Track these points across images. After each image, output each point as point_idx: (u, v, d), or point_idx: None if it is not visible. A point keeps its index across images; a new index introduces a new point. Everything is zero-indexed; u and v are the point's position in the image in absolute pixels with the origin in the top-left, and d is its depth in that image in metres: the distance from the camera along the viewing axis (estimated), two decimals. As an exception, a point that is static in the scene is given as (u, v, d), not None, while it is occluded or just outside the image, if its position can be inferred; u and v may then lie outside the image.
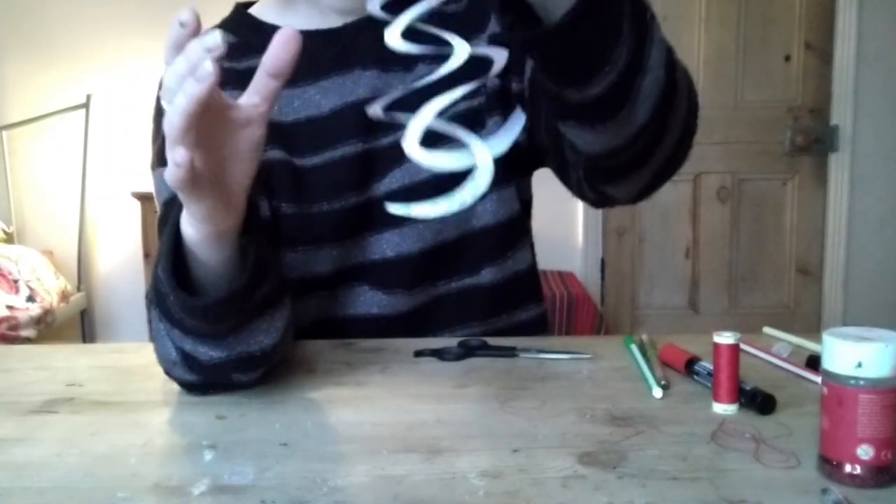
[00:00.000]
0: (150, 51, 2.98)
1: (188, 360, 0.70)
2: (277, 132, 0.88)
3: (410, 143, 0.52)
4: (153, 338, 0.73)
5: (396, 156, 0.88)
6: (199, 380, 0.72)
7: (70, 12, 3.19)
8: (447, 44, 0.55)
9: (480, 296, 0.92)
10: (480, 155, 0.53)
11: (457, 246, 0.90)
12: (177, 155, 0.55)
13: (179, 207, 0.64)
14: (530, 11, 0.61)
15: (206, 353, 0.69)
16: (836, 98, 3.02)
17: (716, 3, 3.04)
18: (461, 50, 0.54)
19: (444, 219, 0.87)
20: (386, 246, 0.90)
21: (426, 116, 0.52)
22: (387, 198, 0.88)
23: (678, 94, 0.70)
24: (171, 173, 0.56)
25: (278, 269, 0.73)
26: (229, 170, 0.62)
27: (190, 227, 0.64)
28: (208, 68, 0.54)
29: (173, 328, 0.69)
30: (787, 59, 3.06)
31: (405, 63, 0.89)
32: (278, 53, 0.59)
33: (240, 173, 0.63)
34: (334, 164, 0.88)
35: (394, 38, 0.54)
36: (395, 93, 0.60)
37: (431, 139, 0.53)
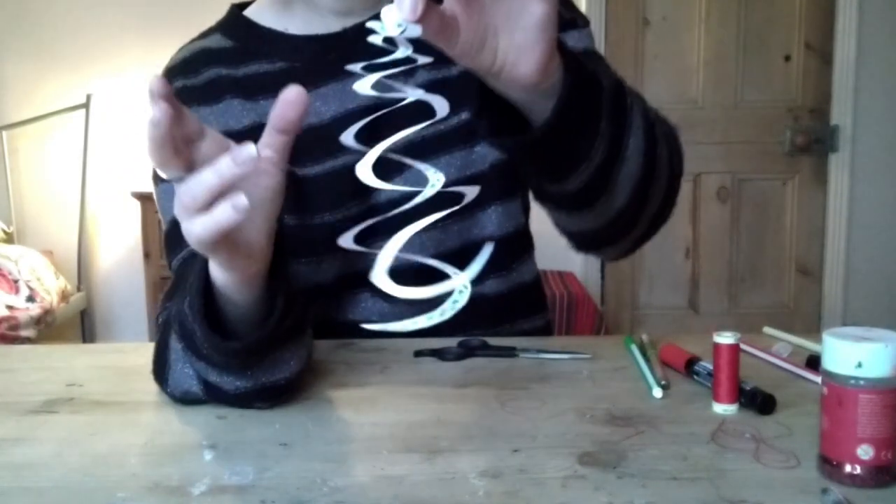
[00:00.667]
0: (150, 51, 2.97)
1: (211, 390, 0.69)
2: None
3: (379, 275, 0.53)
4: (165, 364, 0.72)
5: (397, 165, 0.87)
6: (217, 404, 0.71)
7: (70, 12, 3.19)
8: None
9: (484, 306, 0.91)
10: (458, 280, 0.55)
11: (462, 258, 0.89)
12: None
13: None
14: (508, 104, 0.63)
15: (232, 382, 0.68)
16: (836, 98, 3.02)
17: (716, 3, 3.04)
18: (436, 181, 0.58)
19: (447, 230, 0.87)
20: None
21: (394, 247, 0.54)
22: (389, 206, 0.87)
23: (658, 169, 0.72)
24: (194, 242, 0.57)
25: (303, 299, 0.72)
26: (248, 222, 0.60)
27: (215, 271, 0.64)
28: (244, 203, 0.54)
29: (199, 361, 0.68)
30: (787, 59, 3.06)
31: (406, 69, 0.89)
32: (285, 114, 0.59)
33: (260, 221, 0.62)
34: (335, 173, 0.86)
35: (364, 174, 0.57)
36: (363, 121, 0.61)
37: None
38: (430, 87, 0.86)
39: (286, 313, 0.66)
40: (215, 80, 0.88)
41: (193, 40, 0.94)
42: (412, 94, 0.57)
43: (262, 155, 0.60)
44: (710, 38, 3.06)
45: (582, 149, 0.65)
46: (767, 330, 0.89)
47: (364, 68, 0.55)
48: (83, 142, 3.17)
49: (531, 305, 0.97)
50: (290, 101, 0.59)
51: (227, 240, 0.58)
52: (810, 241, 3.14)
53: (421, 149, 0.84)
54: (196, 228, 0.56)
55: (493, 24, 0.56)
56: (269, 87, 0.87)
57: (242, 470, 0.57)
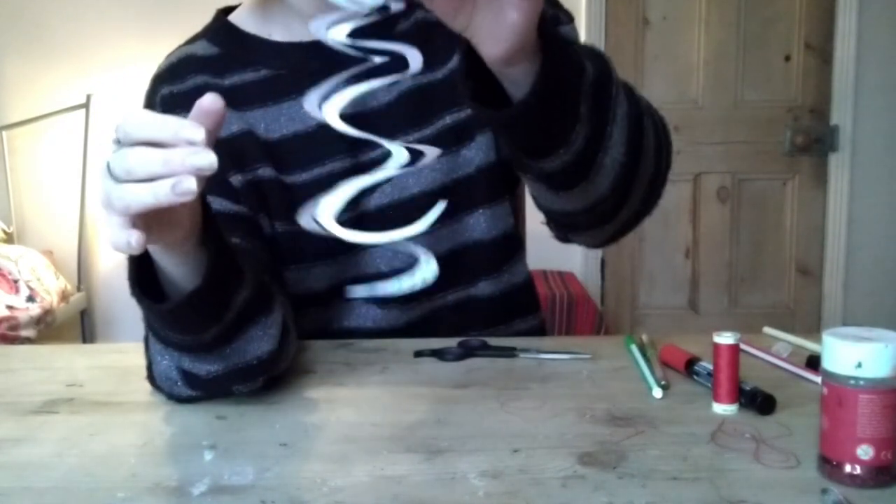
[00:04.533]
0: (150, 51, 2.96)
1: (188, 377, 0.70)
2: (266, 150, 0.86)
3: (324, 216, 0.53)
4: (150, 361, 0.72)
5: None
6: (201, 394, 0.71)
7: (70, 12, 3.19)
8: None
9: (478, 308, 0.92)
10: (410, 230, 0.56)
11: (451, 262, 0.88)
12: (132, 238, 0.53)
13: None
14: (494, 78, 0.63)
15: (203, 367, 0.68)
16: (836, 98, 3.02)
17: (716, 3, 3.04)
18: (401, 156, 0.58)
19: (438, 236, 0.87)
20: (379, 261, 0.88)
21: (341, 196, 0.54)
22: (378, 213, 0.87)
23: (643, 160, 0.71)
24: (118, 246, 0.54)
25: (264, 275, 0.71)
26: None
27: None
28: (192, 187, 0.51)
29: (167, 347, 0.69)
30: (787, 59, 3.05)
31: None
32: (203, 123, 0.55)
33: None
34: (323, 179, 0.86)
35: (331, 117, 0.56)
36: (327, 86, 0.61)
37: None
38: (349, 167, 0.86)
39: (228, 283, 0.65)
40: (202, 86, 0.87)
41: (181, 46, 0.94)
42: (385, 45, 0.57)
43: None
44: (710, 38, 3.06)
45: (560, 132, 0.65)
46: (767, 330, 0.89)
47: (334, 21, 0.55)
48: (83, 142, 3.16)
49: (524, 306, 0.97)
50: (205, 111, 0.55)
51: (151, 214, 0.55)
52: (810, 241, 3.14)
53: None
54: (127, 196, 0.52)
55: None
56: (254, 97, 0.87)
57: (242, 470, 0.57)
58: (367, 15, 0.53)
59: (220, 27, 0.93)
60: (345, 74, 0.61)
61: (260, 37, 0.89)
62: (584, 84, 0.64)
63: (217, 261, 0.63)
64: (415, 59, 0.58)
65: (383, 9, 0.54)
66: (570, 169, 0.67)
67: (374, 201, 0.87)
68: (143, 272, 0.64)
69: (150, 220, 0.55)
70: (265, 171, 0.86)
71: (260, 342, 0.69)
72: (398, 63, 0.62)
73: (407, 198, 0.87)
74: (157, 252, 0.62)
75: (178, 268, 0.63)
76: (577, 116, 0.64)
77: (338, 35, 0.55)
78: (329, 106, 0.56)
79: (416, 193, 0.87)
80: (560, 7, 0.90)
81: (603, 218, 0.76)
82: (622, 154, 0.69)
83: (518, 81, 0.62)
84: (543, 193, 0.74)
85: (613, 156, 0.68)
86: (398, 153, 0.59)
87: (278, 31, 0.89)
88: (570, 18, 0.89)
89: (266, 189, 0.86)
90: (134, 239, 0.53)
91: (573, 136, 0.65)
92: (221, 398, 0.71)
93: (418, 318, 0.90)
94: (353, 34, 0.55)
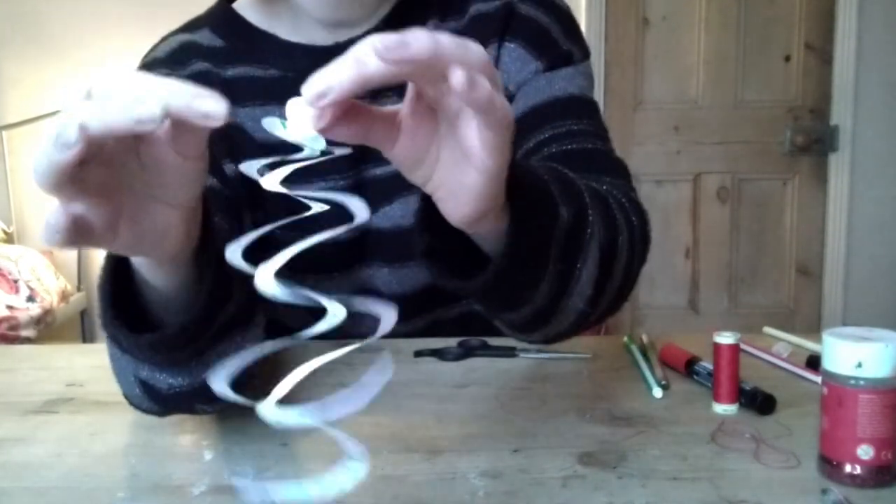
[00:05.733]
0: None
1: (146, 388, 0.61)
2: (260, 150, 0.74)
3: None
4: (112, 363, 0.64)
5: (387, 189, 0.82)
6: (160, 409, 0.64)
7: (70, 12, 3.19)
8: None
9: (480, 319, 0.90)
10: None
11: (431, 290, 0.84)
12: (51, 216, 0.41)
13: None
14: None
15: (165, 380, 0.60)
16: (836, 98, 3.02)
17: (716, 3, 3.04)
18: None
19: (417, 265, 0.81)
20: (379, 283, 0.85)
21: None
22: (378, 236, 0.82)
23: (608, 289, 0.64)
24: (47, 237, 0.41)
25: (248, 285, 0.63)
26: (146, 201, 0.46)
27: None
28: (72, 137, 0.38)
29: (124, 353, 0.60)
30: (787, 59, 3.05)
31: (397, 90, 0.80)
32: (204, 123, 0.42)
33: (166, 199, 0.47)
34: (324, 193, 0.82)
35: (264, 283, 0.44)
36: (251, 236, 0.46)
37: None
38: (352, 185, 0.78)
39: (217, 302, 0.56)
40: (204, 73, 0.83)
41: (179, 32, 0.88)
42: (322, 197, 0.47)
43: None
44: (710, 38, 3.06)
45: (526, 290, 0.58)
46: (767, 330, 0.89)
47: (267, 166, 0.45)
48: (83, 142, 3.16)
49: None
50: (209, 115, 0.41)
51: (112, 230, 0.45)
52: (810, 241, 3.14)
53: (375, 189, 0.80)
54: (35, 176, 0.40)
55: (437, 153, 0.48)
56: (258, 94, 0.82)
57: (242, 470, 0.57)
58: (305, 158, 0.44)
59: (225, 16, 0.87)
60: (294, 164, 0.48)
61: (267, 32, 0.85)
62: (558, 235, 0.56)
63: (216, 281, 0.55)
64: (360, 210, 0.47)
65: (324, 153, 0.45)
66: (531, 318, 0.61)
67: (376, 221, 0.82)
68: (117, 290, 0.55)
69: (138, 227, 0.46)
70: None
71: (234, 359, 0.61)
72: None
73: (409, 227, 0.81)
74: (145, 267, 0.53)
75: (168, 285, 0.54)
76: (545, 272, 0.57)
77: (270, 183, 0.45)
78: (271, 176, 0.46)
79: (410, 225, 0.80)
80: (577, 40, 0.84)
81: (564, 335, 0.69)
82: (587, 297, 0.61)
83: (484, 238, 0.55)
84: (504, 327, 0.66)
85: (579, 294, 0.61)
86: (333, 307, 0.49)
87: (283, 30, 0.84)
88: (584, 56, 0.84)
89: (260, 188, 0.80)
90: (54, 217, 0.41)
91: (538, 292, 0.58)
92: (185, 414, 0.66)
93: (421, 328, 0.89)
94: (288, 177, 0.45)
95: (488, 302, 0.60)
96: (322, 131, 0.42)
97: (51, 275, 2.97)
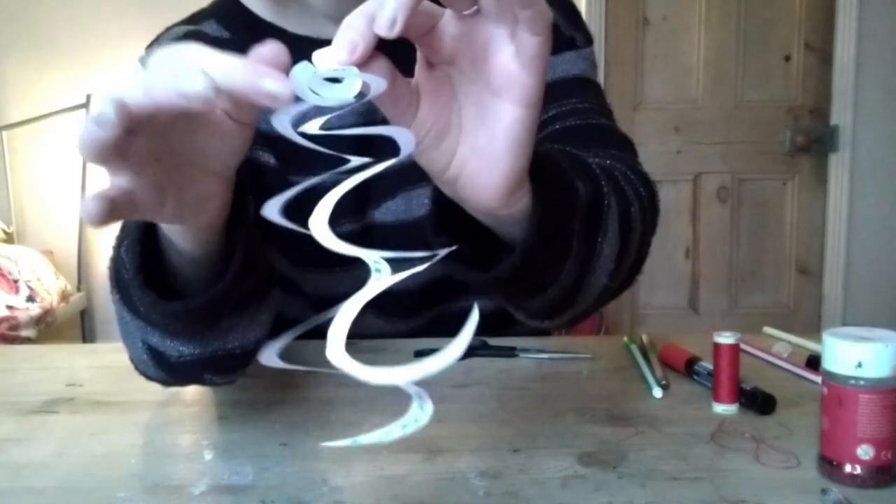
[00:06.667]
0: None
1: (155, 355, 0.61)
2: (267, 141, 0.77)
3: (335, 352, 0.42)
4: (119, 326, 0.63)
5: (391, 185, 0.82)
6: (167, 378, 0.64)
7: (70, 12, 3.19)
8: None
9: (483, 315, 0.89)
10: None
11: (454, 280, 0.86)
12: (95, 194, 0.40)
13: None
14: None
15: (176, 348, 0.59)
16: (836, 98, 3.02)
17: (716, 3, 3.04)
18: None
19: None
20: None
21: (344, 323, 0.43)
22: (382, 230, 0.82)
23: (626, 261, 0.63)
24: (88, 212, 0.40)
25: (268, 256, 0.61)
26: (192, 169, 0.46)
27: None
28: (112, 116, 0.38)
29: (136, 318, 0.59)
30: (787, 59, 3.05)
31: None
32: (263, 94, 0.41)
33: (212, 166, 0.47)
34: (328, 188, 0.82)
35: (319, 231, 0.44)
36: (290, 192, 0.44)
37: None
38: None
39: (243, 275, 0.55)
40: None
41: (183, 23, 0.87)
42: (365, 133, 0.44)
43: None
44: (710, 38, 3.06)
45: (550, 275, 0.56)
46: (767, 330, 0.89)
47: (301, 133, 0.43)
48: (83, 142, 3.16)
49: None
50: (274, 95, 0.40)
51: (157, 197, 0.45)
52: (810, 241, 3.14)
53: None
54: (80, 149, 0.39)
55: (459, 121, 0.47)
56: None
57: (242, 470, 0.57)
58: (343, 107, 0.43)
59: (232, 8, 0.85)
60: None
61: (275, 25, 0.83)
62: (579, 210, 0.55)
63: (245, 254, 0.54)
64: (406, 141, 0.45)
65: (360, 96, 0.43)
66: (559, 300, 0.60)
67: (379, 216, 0.83)
68: (145, 258, 0.55)
69: (182, 195, 0.46)
70: (266, 157, 0.80)
71: (247, 330, 0.60)
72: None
73: (413, 219, 0.82)
74: (177, 233, 0.52)
75: (199, 253, 0.53)
76: (570, 249, 0.55)
77: (311, 130, 0.43)
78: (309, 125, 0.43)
79: (423, 214, 0.82)
80: (580, 26, 0.84)
81: (579, 317, 0.68)
82: (607, 275, 0.61)
83: (506, 223, 0.53)
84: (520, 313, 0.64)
85: (600, 272, 0.60)
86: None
87: (291, 23, 0.83)
88: (587, 41, 0.84)
89: (270, 178, 0.79)
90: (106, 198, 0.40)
91: (564, 270, 0.56)
92: (192, 385, 0.67)
93: (422, 325, 0.89)
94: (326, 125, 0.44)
95: (515, 289, 0.58)
96: (356, 62, 0.43)
97: (51, 275, 2.97)
